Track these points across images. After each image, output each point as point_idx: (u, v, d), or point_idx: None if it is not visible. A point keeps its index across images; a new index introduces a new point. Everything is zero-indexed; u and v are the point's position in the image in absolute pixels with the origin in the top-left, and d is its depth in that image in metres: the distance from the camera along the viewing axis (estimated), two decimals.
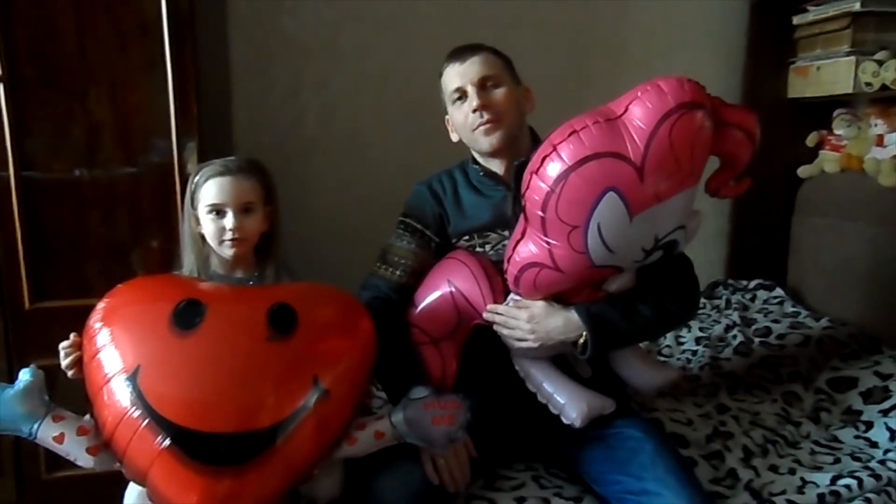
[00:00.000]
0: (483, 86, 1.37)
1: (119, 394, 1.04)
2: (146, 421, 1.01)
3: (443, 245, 1.45)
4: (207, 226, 1.24)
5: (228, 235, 1.23)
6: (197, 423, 1.02)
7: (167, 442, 1.00)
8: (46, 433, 1.06)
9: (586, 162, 1.11)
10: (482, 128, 1.37)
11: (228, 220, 1.23)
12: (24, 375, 1.09)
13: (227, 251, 1.25)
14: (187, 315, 1.07)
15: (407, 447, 1.19)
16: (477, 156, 1.46)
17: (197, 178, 1.27)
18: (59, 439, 1.06)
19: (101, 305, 1.14)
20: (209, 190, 1.24)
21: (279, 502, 1.09)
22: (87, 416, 1.10)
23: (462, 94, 1.39)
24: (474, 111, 1.36)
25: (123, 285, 1.18)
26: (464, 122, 1.39)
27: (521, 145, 1.42)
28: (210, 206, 1.24)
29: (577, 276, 1.23)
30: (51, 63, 1.61)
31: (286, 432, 1.04)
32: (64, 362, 1.16)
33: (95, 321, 1.12)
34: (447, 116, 1.46)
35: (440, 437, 1.15)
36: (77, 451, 1.07)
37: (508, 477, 1.36)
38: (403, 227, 1.47)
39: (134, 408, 1.02)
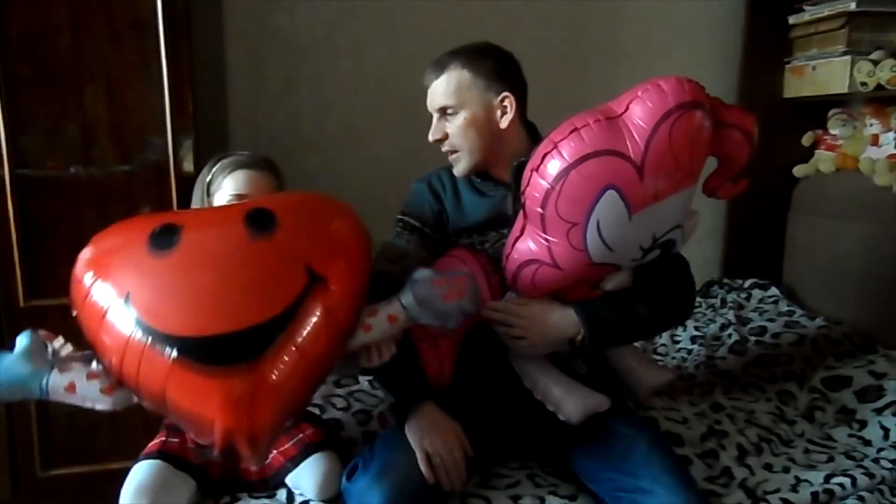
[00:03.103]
0: (443, 113, 1.38)
1: (117, 324, 1.02)
2: (149, 341, 0.99)
3: (442, 242, 1.45)
4: None
5: None
6: (197, 329, 1.00)
7: (174, 353, 0.98)
8: (57, 385, 1.04)
9: (587, 160, 1.11)
10: (448, 156, 1.41)
11: None
12: (22, 339, 1.07)
13: None
14: (163, 237, 1.06)
15: (400, 444, 1.20)
16: None
17: (216, 167, 1.28)
18: (71, 388, 1.04)
19: (82, 255, 1.11)
20: (234, 180, 1.26)
21: (302, 402, 1.08)
22: (94, 363, 1.08)
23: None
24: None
25: (99, 234, 1.15)
26: None
27: (511, 150, 1.38)
28: (234, 195, 1.25)
29: (576, 274, 1.23)
30: (45, 61, 1.61)
31: (292, 321, 1.02)
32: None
33: (79, 268, 1.09)
34: None
35: (453, 312, 1.14)
36: (93, 395, 1.05)
37: (503, 475, 1.36)
38: (402, 224, 1.45)
39: (133, 333, 1.00)
